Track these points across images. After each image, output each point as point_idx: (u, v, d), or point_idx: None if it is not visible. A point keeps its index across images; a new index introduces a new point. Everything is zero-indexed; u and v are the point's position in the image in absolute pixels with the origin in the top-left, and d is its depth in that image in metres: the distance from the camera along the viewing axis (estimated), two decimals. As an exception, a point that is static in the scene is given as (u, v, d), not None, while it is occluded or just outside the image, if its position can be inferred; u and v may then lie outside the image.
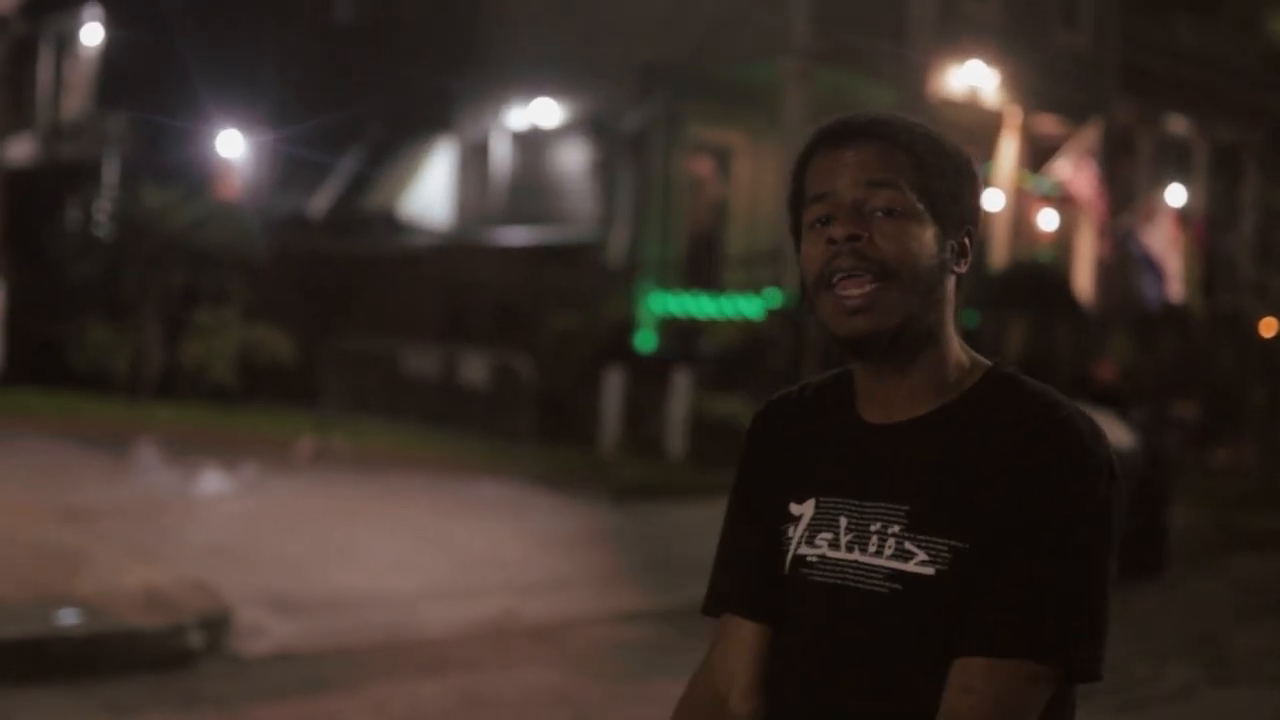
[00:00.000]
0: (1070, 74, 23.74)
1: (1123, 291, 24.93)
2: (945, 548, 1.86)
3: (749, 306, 19.75)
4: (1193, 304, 25.27)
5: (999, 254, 23.16)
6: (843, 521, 1.96)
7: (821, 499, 1.99)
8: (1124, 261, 24.33)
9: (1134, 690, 8.29)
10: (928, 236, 1.91)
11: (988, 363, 2.00)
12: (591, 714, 7.40)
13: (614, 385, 15.85)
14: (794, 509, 2.02)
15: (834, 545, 1.95)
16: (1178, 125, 27.64)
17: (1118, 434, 12.18)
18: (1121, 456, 10.11)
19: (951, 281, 1.97)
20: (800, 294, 1.99)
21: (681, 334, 19.99)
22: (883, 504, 1.93)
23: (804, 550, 1.98)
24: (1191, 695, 8.25)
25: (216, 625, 8.22)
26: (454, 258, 21.77)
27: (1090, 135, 22.19)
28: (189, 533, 10.91)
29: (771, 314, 19.06)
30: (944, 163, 1.95)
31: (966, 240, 1.98)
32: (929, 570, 1.85)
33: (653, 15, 21.15)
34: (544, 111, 22.62)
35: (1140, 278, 24.10)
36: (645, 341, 20.20)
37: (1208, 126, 27.93)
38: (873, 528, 1.93)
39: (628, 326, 19.86)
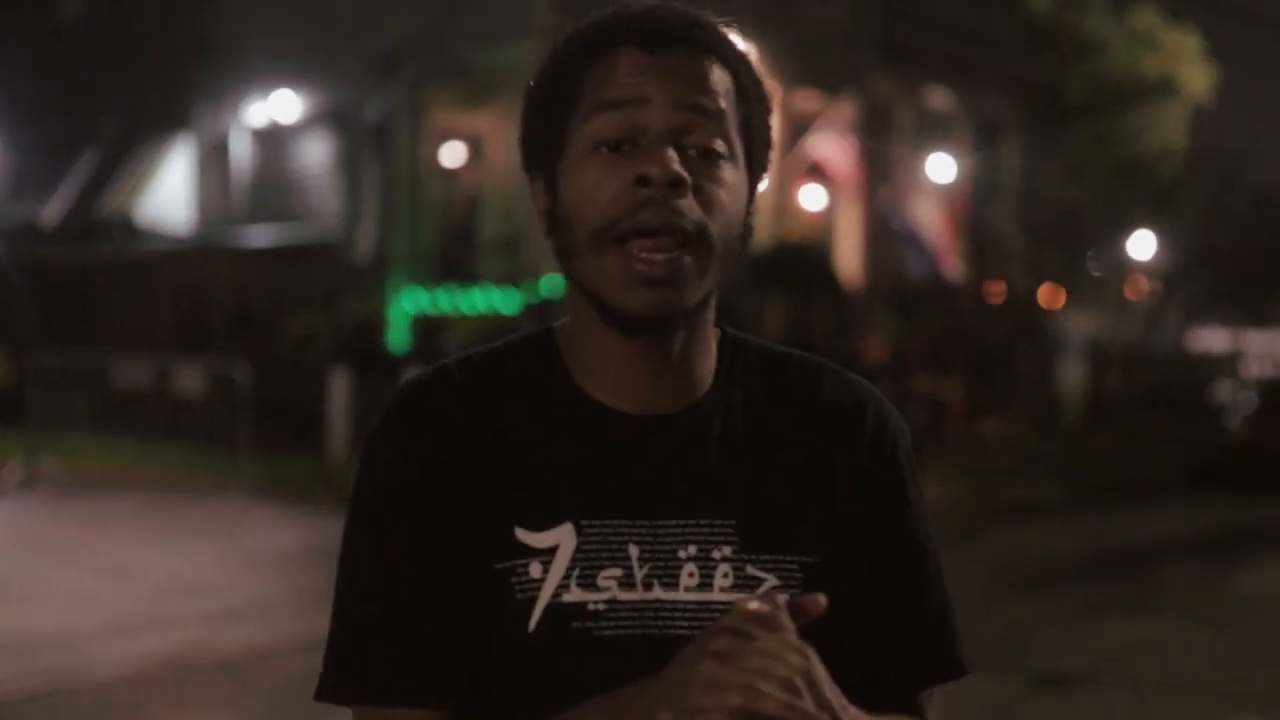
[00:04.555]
0: (827, 48, 23.40)
1: (888, 267, 24.73)
2: (795, 565, 1.47)
3: (502, 300, 19.03)
4: (962, 277, 25.17)
5: (760, 234, 22.74)
6: (633, 551, 1.46)
7: (585, 522, 1.45)
8: (887, 237, 24.10)
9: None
10: (741, 189, 1.45)
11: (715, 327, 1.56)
12: (247, 764, 6.57)
13: (340, 388, 14.95)
14: (529, 539, 1.45)
15: (626, 584, 1.45)
16: (939, 98, 27.57)
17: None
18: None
19: None
20: (560, 243, 1.44)
21: (433, 331, 19.16)
22: (693, 521, 1.47)
23: (577, 596, 1.44)
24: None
25: None
26: (191, 262, 20.68)
27: (847, 109, 21.85)
28: None
29: (526, 308, 18.36)
30: (761, 93, 1.48)
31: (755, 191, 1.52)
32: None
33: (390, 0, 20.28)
34: (283, 105, 21.59)
35: (905, 253, 23.89)
36: (395, 340, 19.33)
37: (970, 99, 27.91)
38: (683, 554, 1.46)
39: (375, 326, 18.98)
